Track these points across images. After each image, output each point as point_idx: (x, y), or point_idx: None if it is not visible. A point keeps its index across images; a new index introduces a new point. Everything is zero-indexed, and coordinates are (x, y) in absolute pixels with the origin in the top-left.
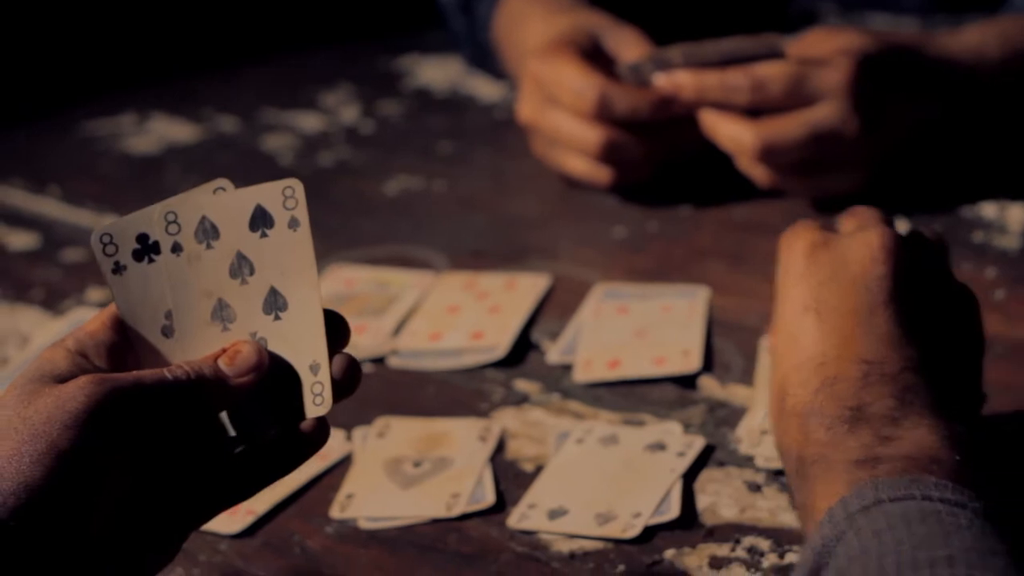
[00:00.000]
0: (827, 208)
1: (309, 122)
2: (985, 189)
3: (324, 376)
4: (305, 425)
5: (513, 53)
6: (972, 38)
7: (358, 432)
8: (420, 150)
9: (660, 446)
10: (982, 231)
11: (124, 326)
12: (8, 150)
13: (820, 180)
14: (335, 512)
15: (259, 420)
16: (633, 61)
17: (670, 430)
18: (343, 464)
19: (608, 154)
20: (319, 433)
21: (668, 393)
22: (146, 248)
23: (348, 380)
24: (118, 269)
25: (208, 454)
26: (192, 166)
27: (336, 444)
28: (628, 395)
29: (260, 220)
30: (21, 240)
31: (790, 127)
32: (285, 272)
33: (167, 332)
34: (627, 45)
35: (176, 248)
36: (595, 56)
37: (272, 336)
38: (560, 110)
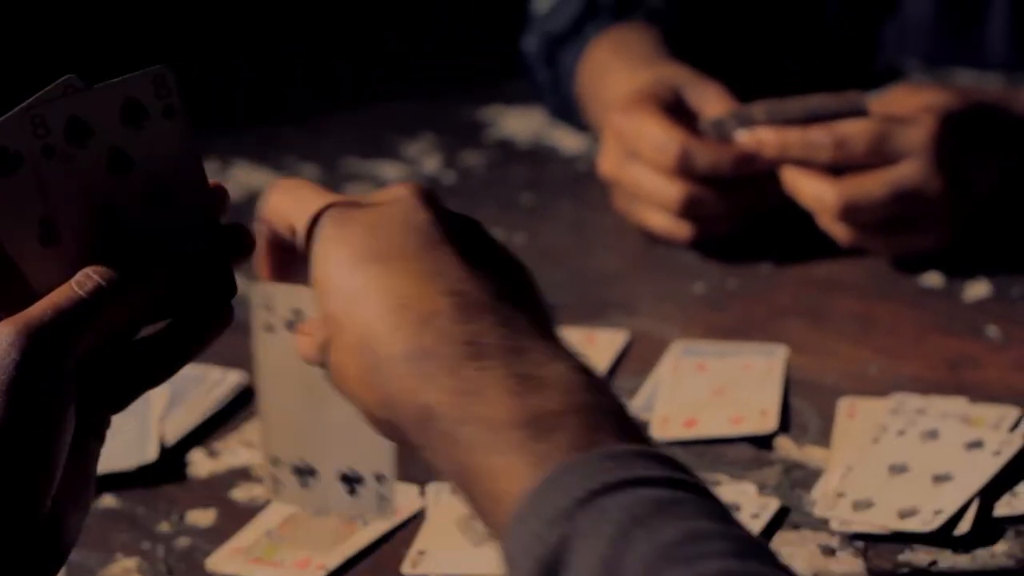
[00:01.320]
0: (908, 266)
1: (391, 172)
2: None
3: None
4: None
5: (596, 105)
6: None
7: (431, 488)
8: (501, 201)
9: (735, 507)
10: None
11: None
12: None
13: (902, 238)
14: (407, 568)
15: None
16: (715, 117)
17: (745, 491)
18: (416, 520)
19: (688, 210)
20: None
21: (744, 453)
22: (7, 160)
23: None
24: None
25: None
26: None
27: (409, 500)
28: (704, 454)
29: (133, 112)
30: None
31: (873, 186)
32: (164, 162)
33: (46, 240)
34: (709, 100)
35: (48, 151)
36: (677, 110)
37: None
38: (641, 165)
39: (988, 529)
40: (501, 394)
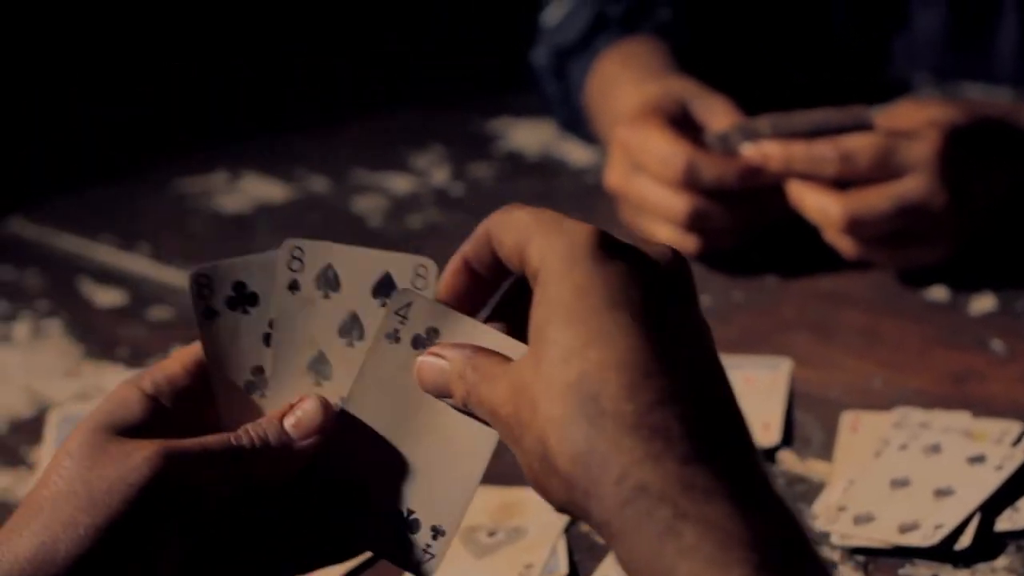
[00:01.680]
0: (914, 280)
1: (399, 184)
2: None
3: None
4: None
5: (604, 118)
6: None
7: None
8: None
9: None
10: None
11: (204, 372)
12: (100, 206)
13: (907, 252)
14: None
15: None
16: (721, 130)
17: None
18: None
19: (694, 223)
20: None
21: None
22: (242, 297)
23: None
24: (210, 314)
25: (272, 519)
26: (281, 226)
27: None
28: None
29: (384, 288)
30: (109, 297)
31: (877, 200)
32: None
33: (251, 388)
34: (716, 113)
35: (294, 286)
36: (683, 123)
37: None
38: (647, 178)
39: (989, 544)
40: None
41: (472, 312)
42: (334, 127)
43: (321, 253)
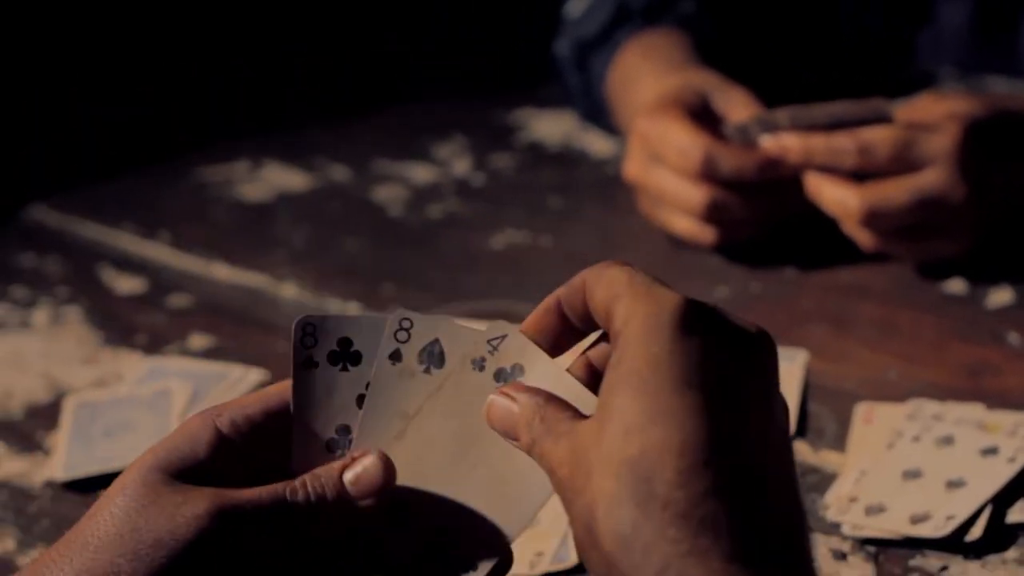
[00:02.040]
0: (932, 273)
1: (420, 173)
2: None
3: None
4: None
5: (625, 110)
6: None
7: None
8: (529, 204)
9: None
10: None
11: (286, 417)
12: (122, 194)
13: (926, 245)
14: None
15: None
16: (740, 122)
17: None
18: None
19: (712, 214)
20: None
21: None
22: (345, 354)
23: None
24: (309, 364)
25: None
26: (302, 215)
27: None
28: None
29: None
30: (129, 284)
31: (896, 192)
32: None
33: (333, 445)
34: (736, 105)
35: (396, 356)
36: (703, 115)
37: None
38: (665, 169)
39: (1000, 535)
40: None
41: (552, 353)
42: (356, 118)
43: (431, 327)
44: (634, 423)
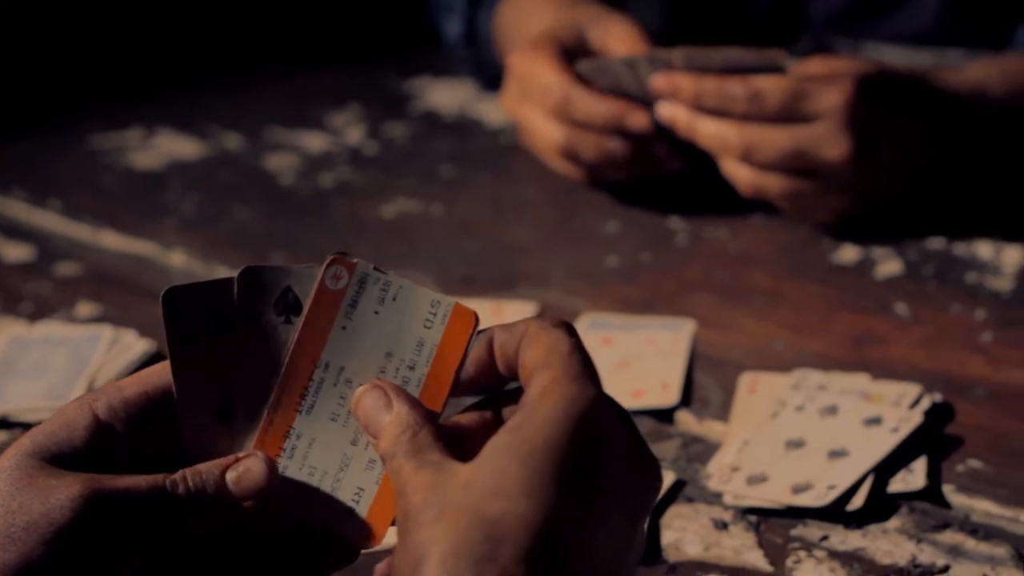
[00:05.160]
0: (822, 243)
1: (314, 142)
2: (981, 228)
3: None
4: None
5: (512, 49)
6: (975, 74)
7: None
8: (421, 173)
9: None
10: (976, 272)
11: (169, 397)
12: (12, 161)
13: (805, 199)
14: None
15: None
16: (631, 56)
17: None
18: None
19: (568, 153)
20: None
21: (644, 426)
22: (217, 320)
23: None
24: (183, 337)
25: (210, 556)
26: (193, 183)
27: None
28: None
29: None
30: (17, 252)
31: (776, 134)
32: None
33: (222, 416)
34: (615, 37)
35: (252, 313)
36: (580, 51)
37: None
38: (532, 106)
39: (882, 505)
40: None
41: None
42: (250, 86)
43: (279, 276)
44: (507, 488)
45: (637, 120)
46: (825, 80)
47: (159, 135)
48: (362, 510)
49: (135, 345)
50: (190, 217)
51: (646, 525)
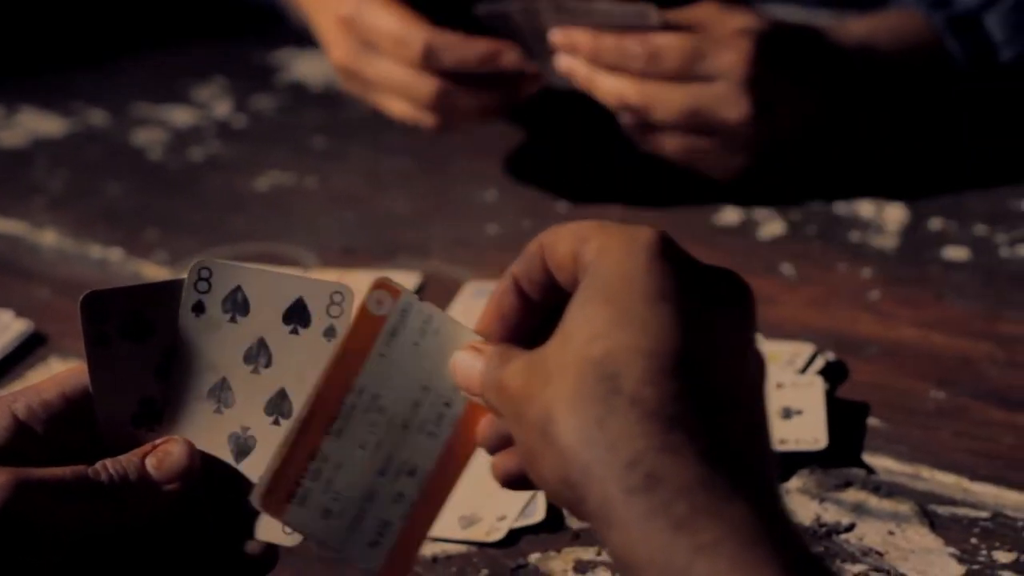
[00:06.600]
0: (705, 204)
1: (181, 116)
2: (861, 188)
3: None
4: (251, 547)
5: None
6: (860, 30)
7: None
8: (293, 145)
9: None
10: (859, 230)
11: (86, 399)
12: None
13: (704, 159)
14: None
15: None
16: (496, 8)
17: None
18: None
19: (440, 104)
20: (265, 559)
21: None
22: (137, 325)
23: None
24: (101, 340)
25: (135, 546)
26: (60, 160)
27: None
28: None
29: (297, 315)
30: None
31: (674, 92)
32: (302, 379)
33: (138, 420)
34: None
35: (199, 308)
36: None
37: (263, 439)
38: (386, 59)
39: (782, 466)
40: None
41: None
42: (114, 61)
43: (231, 275)
44: (600, 330)
45: (509, 58)
46: (723, 39)
47: (21, 112)
48: (386, 544)
49: (12, 325)
50: (59, 195)
51: (759, 344)
